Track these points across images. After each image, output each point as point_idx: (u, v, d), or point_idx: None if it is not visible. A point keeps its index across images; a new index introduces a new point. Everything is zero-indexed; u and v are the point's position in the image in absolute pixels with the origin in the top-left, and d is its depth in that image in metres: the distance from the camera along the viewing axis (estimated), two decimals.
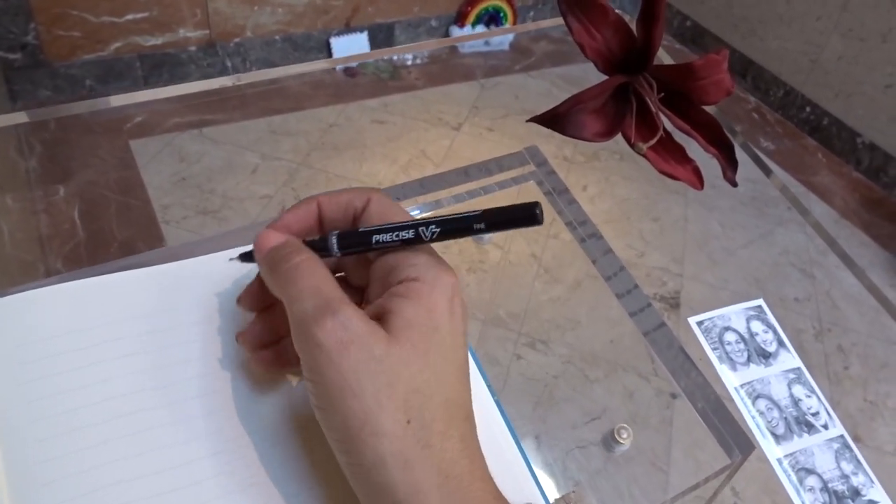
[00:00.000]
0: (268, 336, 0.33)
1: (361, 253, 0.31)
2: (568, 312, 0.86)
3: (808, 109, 2.07)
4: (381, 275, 0.31)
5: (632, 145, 0.45)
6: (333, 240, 0.31)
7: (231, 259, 0.34)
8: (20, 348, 0.32)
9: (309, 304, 0.28)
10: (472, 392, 0.32)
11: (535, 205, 0.28)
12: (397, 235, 0.30)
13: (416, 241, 0.30)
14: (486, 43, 2.32)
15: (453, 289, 0.30)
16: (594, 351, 0.84)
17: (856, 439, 0.50)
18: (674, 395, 0.83)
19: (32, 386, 0.31)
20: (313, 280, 0.29)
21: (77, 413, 0.31)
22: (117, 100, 0.51)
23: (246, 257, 0.34)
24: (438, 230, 0.29)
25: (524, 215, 0.28)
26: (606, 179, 1.03)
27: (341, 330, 0.27)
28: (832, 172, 1.88)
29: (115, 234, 1.14)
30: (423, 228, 0.29)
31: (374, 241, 0.30)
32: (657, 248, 1.15)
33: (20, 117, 0.46)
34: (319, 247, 0.31)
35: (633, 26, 0.46)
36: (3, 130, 0.47)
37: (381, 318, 0.29)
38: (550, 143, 0.57)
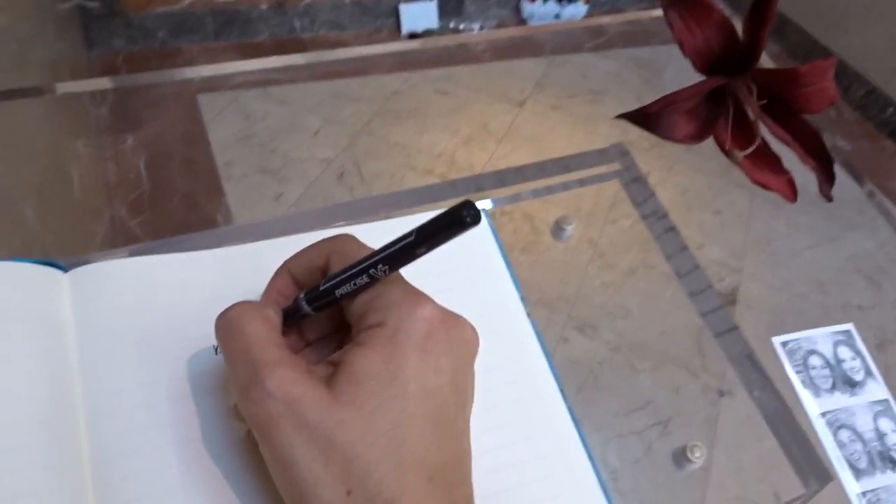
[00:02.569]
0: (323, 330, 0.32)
1: (334, 305, 0.30)
2: (620, 300, 0.85)
3: (890, 111, 1.98)
4: (355, 319, 0.29)
5: (726, 152, 0.44)
6: (303, 302, 0.30)
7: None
8: (108, 316, 0.33)
9: (240, 370, 0.27)
10: (545, 403, 0.31)
11: (463, 206, 0.25)
12: (355, 284, 0.29)
13: (374, 282, 0.29)
14: (557, 17, 2.28)
15: (429, 324, 0.28)
16: (643, 341, 0.83)
17: None
18: (721, 393, 0.81)
19: (116, 355, 0.32)
20: (242, 341, 0.27)
21: (158, 388, 0.31)
22: (205, 70, 0.51)
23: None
24: (387, 267, 0.28)
25: (452, 221, 0.26)
26: (670, 168, 1.00)
27: (270, 401, 0.25)
28: None
29: (178, 186, 1.16)
30: (374, 269, 0.28)
31: (337, 294, 0.29)
32: (717, 242, 1.12)
33: (104, 83, 0.47)
34: (294, 311, 0.31)
35: (737, 25, 0.45)
36: (80, 85, 0.48)
37: (333, 375, 0.27)
38: (616, 128, 0.56)
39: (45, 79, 1.16)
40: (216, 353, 0.32)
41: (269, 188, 1.24)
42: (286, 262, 0.32)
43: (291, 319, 0.31)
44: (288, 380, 0.26)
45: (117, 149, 1.04)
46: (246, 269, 0.36)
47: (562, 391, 0.37)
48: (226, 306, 0.34)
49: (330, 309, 0.31)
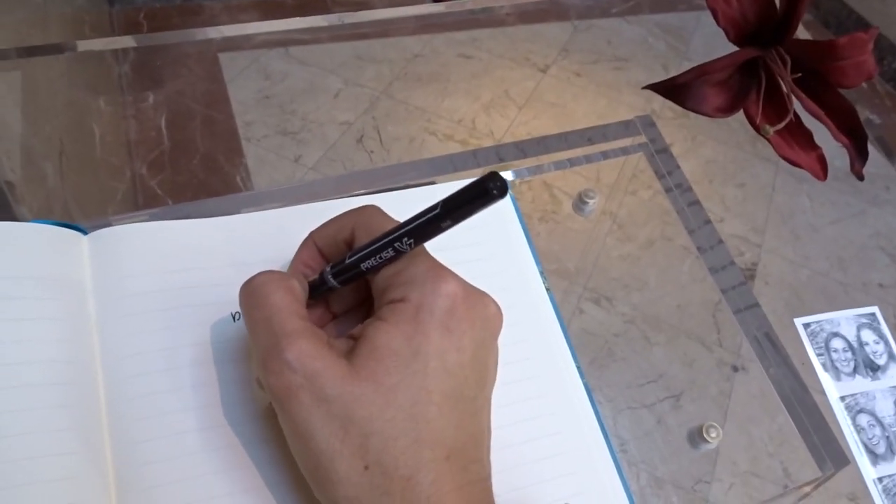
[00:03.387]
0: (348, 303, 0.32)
1: (360, 278, 0.30)
2: (637, 272, 0.84)
3: None
4: (378, 293, 0.29)
5: (756, 127, 0.43)
6: (328, 275, 0.30)
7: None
8: (125, 279, 0.33)
9: (261, 339, 0.27)
10: (561, 381, 0.30)
11: (490, 178, 0.25)
12: (380, 257, 0.28)
13: (400, 255, 0.28)
14: None
15: (452, 301, 0.27)
16: (659, 314, 0.83)
17: None
18: (735, 368, 0.81)
19: (138, 319, 0.32)
20: (265, 310, 0.27)
21: (177, 352, 0.31)
22: (227, 30, 0.50)
23: None
24: (412, 240, 0.28)
25: (478, 193, 0.25)
26: (693, 138, 0.98)
27: (289, 372, 0.25)
28: None
29: (198, 145, 1.16)
30: (399, 243, 0.28)
31: (362, 267, 0.29)
32: (738, 216, 1.11)
33: (126, 41, 0.47)
34: (320, 283, 0.31)
35: None
36: (102, 42, 0.48)
37: (354, 349, 0.27)
38: (639, 96, 0.55)
39: (67, 34, 1.16)
40: (234, 321, 0.33)
41: (288, 150, 1.24)
42: (312, 234, 0.32)
43: (318, 292, 0.31)
44: (308, 352, 0.26)
45: (138, 106, 1.04)
46: (266, 236, 0.36)
47: (578, 368, 0.37)
48: (244, 273, 0.34)
49: (356, 283, 0.30)
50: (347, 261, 0.29)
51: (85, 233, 0.34)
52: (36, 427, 0.27)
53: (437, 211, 0.27)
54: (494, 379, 0.30)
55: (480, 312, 0.28)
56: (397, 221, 0.29)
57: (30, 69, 0.73)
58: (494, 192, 0.24)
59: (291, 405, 0.25)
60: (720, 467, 0.65)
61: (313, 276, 0.31)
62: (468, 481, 0.26)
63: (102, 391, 0.30)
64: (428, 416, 0.26)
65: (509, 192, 0.40)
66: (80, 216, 0.82)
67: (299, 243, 0.33)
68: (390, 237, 0.28)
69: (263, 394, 0.32)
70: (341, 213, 0.31)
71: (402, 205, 0.36)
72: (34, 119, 0.73)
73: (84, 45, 0.52)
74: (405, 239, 0.27)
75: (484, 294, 0.29)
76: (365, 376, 0.25)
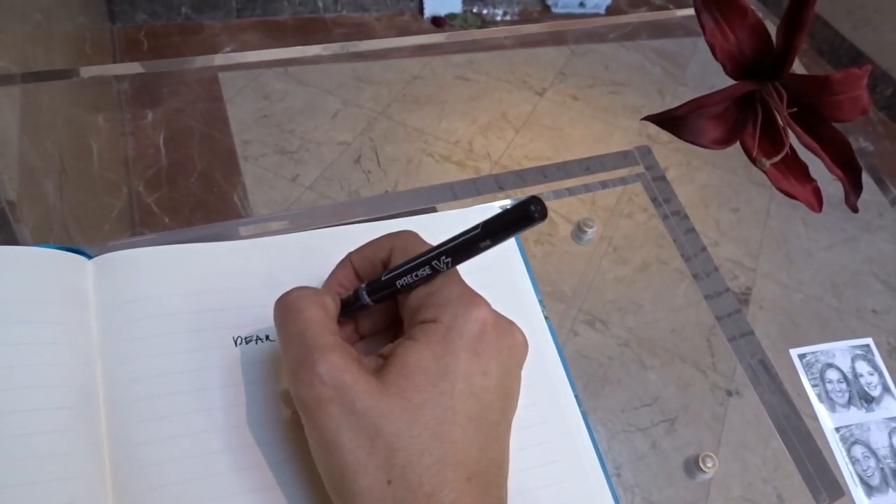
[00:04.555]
0: (374, 326, 0.32)
1: (394, 296, 0.30)
2: (632, 295, 0.84)
3: None
4: (409, 314, 0.29)
5: (753, 159, 0.43)
6: (363, 292, 0.30)
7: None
8: (128, 304, 0.33)
9: (294, 351, 0.27)
10: (560, 409, 0.31)
11: (531, 202, 0.25)
12: (416, 275, 0.29)
13: (436, 275, 0.29)
14: (582, 5, 2.26)
15: (482, 326, 0.28)
16: (653, 338, 0.83)
17: None
18: (729, 393, 0.81)
19: (141, 343, 0.32)
20: (304, 328, 0.27)
21: (179, 377, 0.31)
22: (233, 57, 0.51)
23: None
24: (450, 259, 0.28)
25: (520, 216, 0.26)
26: (689, 163, 0.99)
27: (320, 384, 0.26)
28: None
29: (196, 163, 1.17)
30: (437, 262, 0.28)
31: (398, 284, 0.29)
32: (733, 240, 1.12)
33: (133, 68, 0.47)
34: (352, 301, 0.31)
35: (770, 28, 0.44)
36: (105, 69, 0.49)
37: (384, 364, 0.27)
38: (635, 121, 0.55)
39: (68, 52, 1.16)
40: (236, 345, 0.33)
41: (285, 169, 1.25)
42: (350, 255, 0.32)
43: (349, 310, 0.31)
44: (339, 366, 0.26)
45: (137, 124, 1.04)
46: (266, 261, 0.36)
47: (576, 396, 0.37)
48: (246, 297, 0.34)
49: (385, 305, 0.31)
50: (384, 277, 0.30)
51: (89, 257, 0.34)
52: (40, 452, 0.27)
53: (477, 231, 0.27)
54: (516, 407, 0.30)
55: (508, 340, 0.29)
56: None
57: (31, 89, 0.73)
58: (536, 215, 0.25)
59: (321, 417, 0.26)
60: (714, 492, 0.64)
61: (346, 295, 0.31)
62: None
63: (104, 415, 0.30)
64: (453, 436, 0.26)
65: None
66: (77, 233, 0.82)
67: (301, 267, 0.34)
68: (429, 255, 0.28)
69: (285, 408, 0.32)
70: (380, 235, 0.32)
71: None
72: (34, 136, 0.74)
73: (87, 72, 0.52)
74: (443, 257, 0.28)
75: (512, 323, 0.29)
76: (394, 392, 0.26)
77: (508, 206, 0.26)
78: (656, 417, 0.71)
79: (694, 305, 0.55)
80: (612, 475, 0.47)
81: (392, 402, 0.26)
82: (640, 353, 0.86)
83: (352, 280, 0.32)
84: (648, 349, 0.86)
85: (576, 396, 0.37)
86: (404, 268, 0.29)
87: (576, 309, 0.92)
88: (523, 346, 0.30)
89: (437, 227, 0.36)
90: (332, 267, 0.33)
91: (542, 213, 0.25)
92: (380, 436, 0.25)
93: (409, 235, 0.31)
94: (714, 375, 0.85)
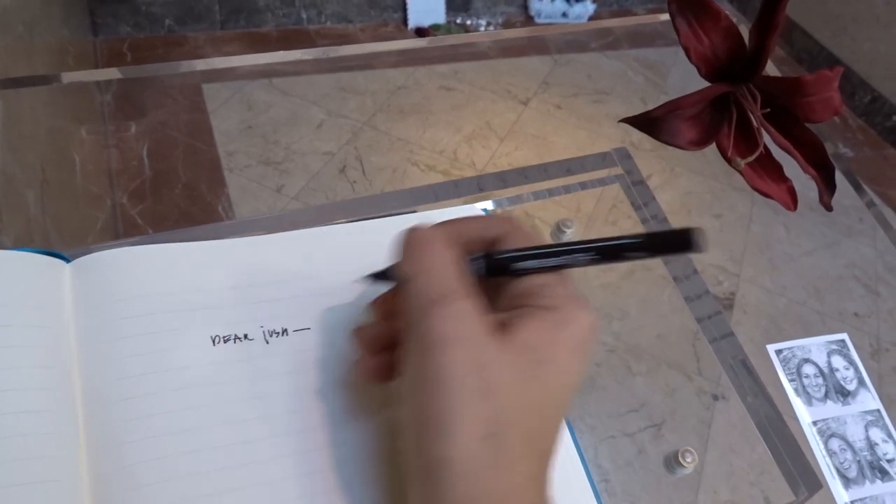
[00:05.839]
0: (385, 340, 0.32)
1: (506, 275, 0.30)
2: (618, 301, 0.85)
3: (895, 118, 1.98)
4: (520, 297, 0.29)
5: (728, 159, 0.44)
6: (482, 262, 0.30)
7: (360, 280, 0.33)
8: (106, 305, 0.32)
9: (432, 285, 0.27)
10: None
11: (696, 232, 0.26)
12: (548, 261, 0.29)
13: (565, 268, 0.29)
14: (565, 15, 2.28)
15: (590, 331, 0.28)
16: (640, 343, 0.83)
17: None
18: (715, 397, 0.81)
19: (120, 344, 0.32)
20: (444, 264, 0.28)
21: (159, 377, 0.31)
22: (213, 62, 0.51)
23: (379, 277, 0.33)
24: (598, 257, 0.28)
25: (682, 241, 0.26)
26: (672, 170, 1.00)
27: (452, 324, 0.26)
28: None
29: (180, 175, 1.16)
30: (583, 254, 0.28)
31: (526, 265, 0.29)
32: (716, 246, 1.12)
33: (111, 73, 0.47)
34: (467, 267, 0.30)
35: (743, 32, 0.45)
36: (87, 75, 0.49)
37: (502, 329, 0.27)
38: (619, 129, 0.56)
39: (51, 64, 1.16)
40: (214, 345, 0.32)
41: (270, 180, 1.24)
42: (454, 223, 0.31)
43: None
44: (473, 313, 0.26)
45: (120, 136, 1.04)
46: (246, 261, 0.36)
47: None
48: (224, 296, 0.34)
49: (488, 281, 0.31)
50: (517, 254, 0.29)
51: (67, 260, 0.34)
52: (16, 455, 0.27)
53: (635, 241, 0.27)
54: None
55: (591, 353, 0.29)
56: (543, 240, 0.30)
57: (12, 97, 0.73)
58: (696, 247, 0.25)
59: (441, 356, 0.25)
60: (702, 496, 0.65)
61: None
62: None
63: (83, 417, 0.30)
64: (544, 414, 0.27)
65: None
66: (60, 245, 0.81)
67: (279, 268, 0.34)
68: (576, 246, 0.28)
69: (358, 348, 0.31)
70: (488, 215, 0.32)
71: (382, 232, 0.36)
72: (16, 147, 0.73)
73: (69, 77, 0.52)
74: (592, 253, 0.28)
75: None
76: (513, 358, 0.26)
77: (671, 228, 0.27)
78: (643, 423, 0.71)
79: (679, 311, 0.56)
80: (601, 481, 0.47)
81: (512, 367, 0.26)
82: (626, 358, 0.86)
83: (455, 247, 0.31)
84: (635, 355, 0.86)
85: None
86: (538, 251, 0.29)
87: None
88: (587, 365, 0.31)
89: (387, 233, 0.36)
90: (311, 267, 0.32)
91: (700, 247, 0.25)
92: (494, 392, 0.26)
93: (521, 224, 0.31)
94: (700, 380, 0.85)
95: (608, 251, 0.28)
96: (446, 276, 0.27)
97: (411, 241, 0.29)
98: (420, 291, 0.27)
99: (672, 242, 0.27)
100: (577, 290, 0.29)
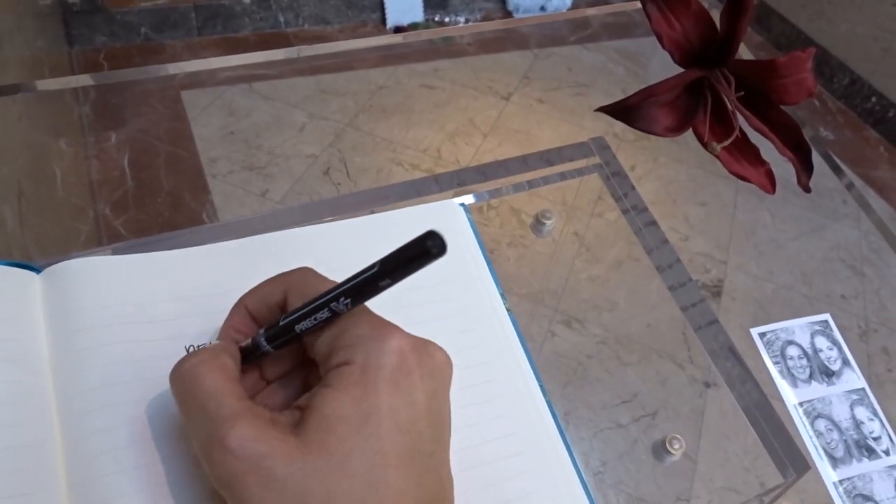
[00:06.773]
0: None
1: (296, 342, 0.29)
2: (606, 293, 0.85)
3: (873, 100, 1.99)
4: (321, 359, 0.28)
5: (704, 144, 0.44)
6: (262, 339, 0.29)
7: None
8: (77, 314, 0.32)
9: (199, 428, 0.25)
10: (523, 400, 0.30)
11: (428, 237, 0.24)
12: (315, 319, 0.27)
13: (337, 316, 0.27)
14: (543, 8, 2.28)
15: (399, 357, 0.26)
16: (630, 334, 0.83)
17: None
18: (707, 384, 0.81)
19: (93, 353, 0.31)
20: (199, 397, 0.26)
21: (131, 386, 0.31)
22: (187, 66, 0.51)
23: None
24: (349, 300, 0.27)
25: (417, 253, 0.24)
26: (655, 160, 1.00)
27: (233, 460, 0.24)
28: (894, 167, 1.81)
29: (162, 183, 1.16)
30: (335, 303, 0.27)
31: (297, 330, 0.28)
32: (702, 234, 1.13)
33: (87, 79, 0.46)
34: (252, 349, 0.29)
35: (715, 17, 0.45)
36: (62, 82, 0.48)
37: (302, 418, 0.26)
38: (601, 120, 0.56)
39: (26, 76, 1.15)
40: (187, 353, 0.32)
41: (254, 185, 1.24)
42: (242, 298, 0.30)
43: (250, 358, 0.29)
44: (250, 435, 0.24)
45: (101, 147, 1.03)
46: (224, 266, 0.35)
47: (542, 387, 0.37)
48: (197, 305, 0.34)
49: (291, 347, 0.29)
50: (281, 323, 0.28)
51: (38, 271, 0.33)
52: None
53: (374, 270, 0.26)
54: (450, 429, 0.29)
55: (428, 363, 0.27)
56: (333, 282, 0.28)
57: None
58: (434, 251, 0.24)
59: (240, 492, 0.24)
60: (697, 484, 0.65)
61: (245, 342, 0.30)
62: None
63: (58, 429, 0.29)
64: (387, 480, 0.25)
65: (468, 216, 0.40)
66: (40, 259, 0.80)
67: (255, 274, 0.33)
68: (326, 297, 0.27)
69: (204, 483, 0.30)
70: (272, 276, 0.30)
71: (367, 231, 0.36)
72: None
73: (43, 85, 0.51)
74: (342, 299, 0.26)
75: (429, 343, 0.28)
76: (315, 449, 0.24)
77: (406, 242, 0.25)
78: (637, 413, 0.72)
79: (667, 301, 0.56)
80: (597, 472, 0.47)
81: (315, 461, 0.24)
82: (617, 350, 0.87)
83: (249, 326, 0.30)
84: (626, 346, 0.86)
85: (541, 387, 0.37)
86: (302, 311, 0.28)
87: (552, 309, 0.92)
88: (447, 366, 0.28)
89: (397, 227, 0.35)
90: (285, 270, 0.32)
91: (441, 249, 0.24)
92: (308, 498, 0.24)
93: (304, 273, 0.29)
94: (691, 368, 0.86)
95: (360, 289, 0.26)
96: (213, 409, 0.25)
97: (173, 381, 0.27)
98: (194, 436, 0.26)
99: (411, 256, 0.25)
100: (373, 319, 0.27)
